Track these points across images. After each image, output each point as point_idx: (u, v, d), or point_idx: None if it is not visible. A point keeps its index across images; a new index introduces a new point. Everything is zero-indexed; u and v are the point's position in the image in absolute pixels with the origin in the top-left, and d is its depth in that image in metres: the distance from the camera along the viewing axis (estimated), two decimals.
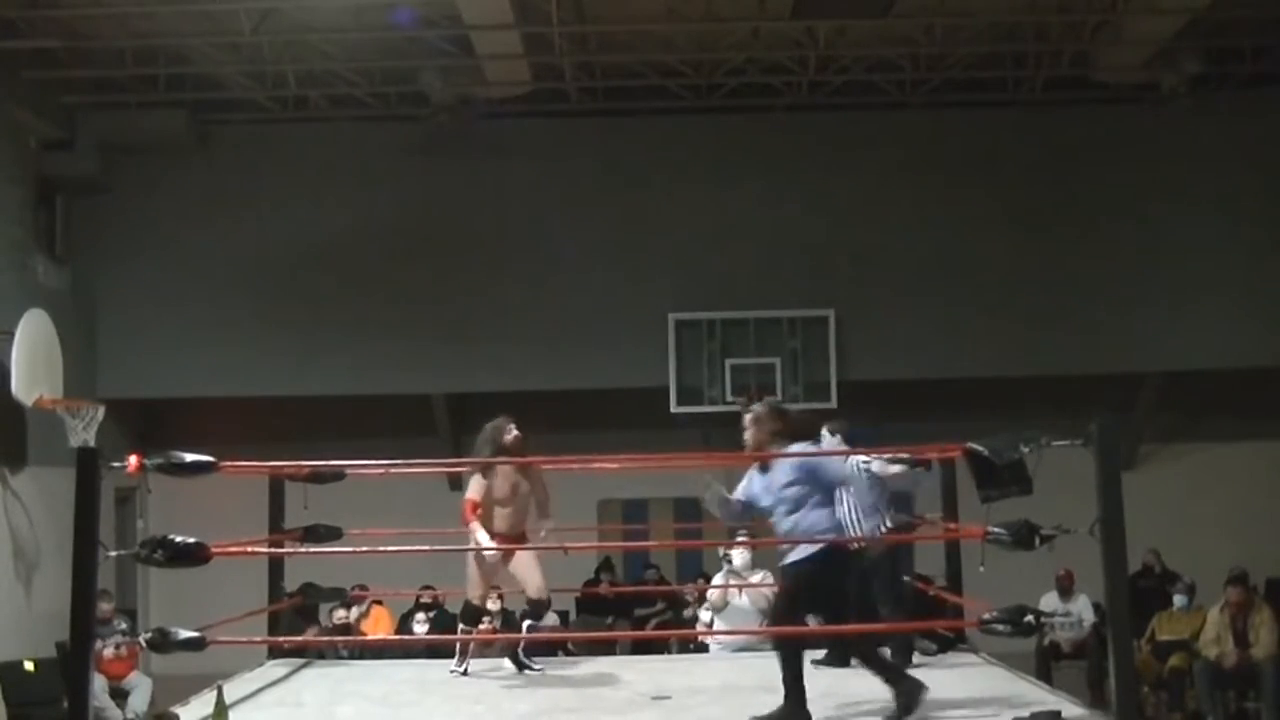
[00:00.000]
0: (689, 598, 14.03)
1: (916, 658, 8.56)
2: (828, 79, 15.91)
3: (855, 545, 8.02)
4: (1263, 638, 11.87)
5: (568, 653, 10.58)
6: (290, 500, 8.99)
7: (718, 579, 10.70)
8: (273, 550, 8.84)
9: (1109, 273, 16.15)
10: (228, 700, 6.74)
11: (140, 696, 12.53)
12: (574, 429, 15.18)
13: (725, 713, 7.21)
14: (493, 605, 12.69)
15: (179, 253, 16.10)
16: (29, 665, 12.73)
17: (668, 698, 7.53)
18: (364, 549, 9.61)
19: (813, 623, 7.25)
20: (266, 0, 13.52)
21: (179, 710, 7.04)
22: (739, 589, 10.36)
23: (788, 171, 16.32)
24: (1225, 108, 15.96)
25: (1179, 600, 13.09)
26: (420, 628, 12.70)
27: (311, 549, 9.00)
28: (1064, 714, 6.47)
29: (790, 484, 6.92)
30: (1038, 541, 6.42)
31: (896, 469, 8.54)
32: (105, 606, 12.46)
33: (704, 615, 11.08)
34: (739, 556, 10.43)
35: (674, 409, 15.94)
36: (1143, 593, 13.24)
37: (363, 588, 12.30)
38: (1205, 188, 16.15)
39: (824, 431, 8.48)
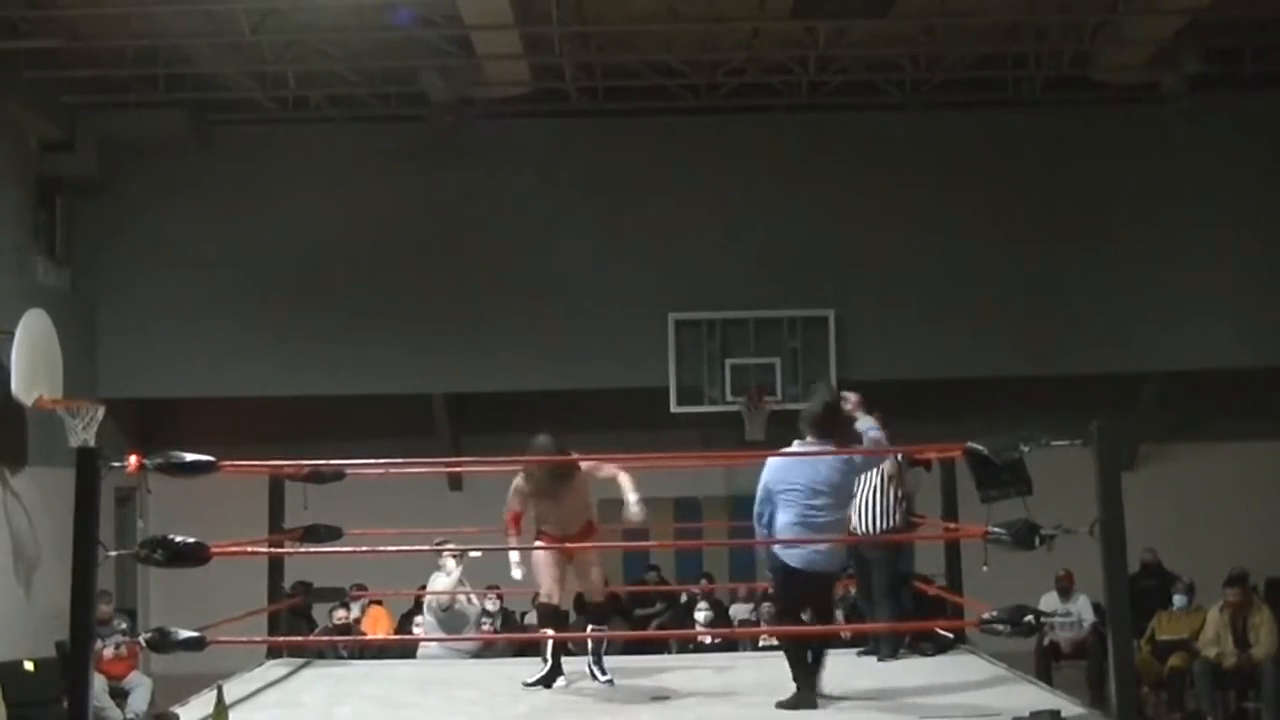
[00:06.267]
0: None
1: (917, 659, 8.56)
2: (828, 79, 15.91)
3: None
4: (1262, 638, 11.87)
5: (567, 652, 10.57)
6: (290, 500, 8.98)
7: (439, 581, 11.17)
8: (273, 550, 8.83)
9: (1109, 273, 16.15)
10: (228, 700, 6.73)
11: (140, 696, 12.53)
12: (574, 429, 15.14)
13: (725, 713, 7.21)
14: (491, 605, 12.73)
15: (179, 253, 16.10)
16: (29, 665, 12.73)
17: (667, 698, 7.53)
18: (364, 549, 9.62)
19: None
20: (266, 0, 13.52)
21: (179, 710, 7.03)
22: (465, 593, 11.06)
23: (788, 171, 16.31)
24: (1225, 108, 15.97)
25: (1179, 600, 13.09)
26: (419, 629, 12.70)
27: (311, 549, 8.99)
28: (1064, 714, 6.47)
29: None
30: (1038, 541, 6.42)
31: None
32: (105, 607, 12.47)
33: (426, 617, 11.56)
34: (452, 561, 10.99)
35: (674, 409, 15.95)
36: (1143, 593, 13.23)
37: (361, 587, 12.31)
38: (1205, 188, 16.15)
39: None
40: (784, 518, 7.04)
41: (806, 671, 6.99)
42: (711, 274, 16.12)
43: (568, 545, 8.01)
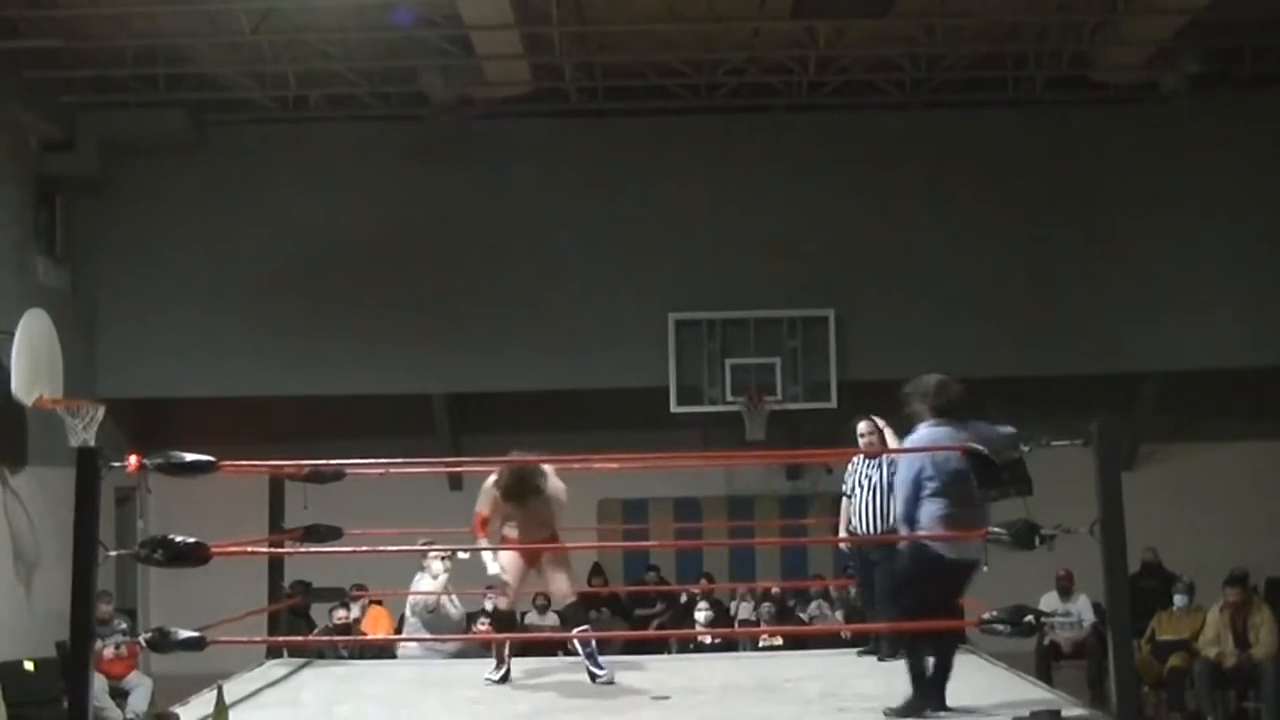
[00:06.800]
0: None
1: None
2: (828, 79, 15.92)
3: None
4: (1263, 638, 11.86)
5: (567, 653, 10.59)
6: (290, 500, 8.99)
7: (423, 583, 11.22)
8: (273, 550, 8.84)
9: (1109, 273, 16.16)
10: (228, 700, 6.72)
11: (140, 696, 12.53)
12: (574, 429, 15.18)
13: (725, 713, 7.21)
14: (490, 605, 12.76)
15: (179, 253, 16.10)
16: (29, 665, 12.73)
17: (667, 698, 7.53)
18: (364, 549, 9.62)
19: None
20: (266, 0, 13.52)
21: (179, 710, 7.03)
22: (448, 595, 11.13)
23: (787, 171, 16.32)
24: (1225, 108, 15.97)
25: (1179, 600, 13.08)
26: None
27: (311, 549, 9.00)
28: (1064, 714, 6.47)
29: None
30: (1038, 541, 6.42)
31: None
32: (105, 607, 12.47)
33: (410, 618, 11.61)
34: (439, 564, 11.04)
35: (674, 409, 15.94)
36: (1143, 593, 13.22)
37: (361, 587, 12.31)
38: (1205, 188, 16.15)
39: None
40: (932, 508, 6.66)
41: (925, 677, 6.64)
42: (711, 274, 16.12)
43: (566, 546, 8.04)
